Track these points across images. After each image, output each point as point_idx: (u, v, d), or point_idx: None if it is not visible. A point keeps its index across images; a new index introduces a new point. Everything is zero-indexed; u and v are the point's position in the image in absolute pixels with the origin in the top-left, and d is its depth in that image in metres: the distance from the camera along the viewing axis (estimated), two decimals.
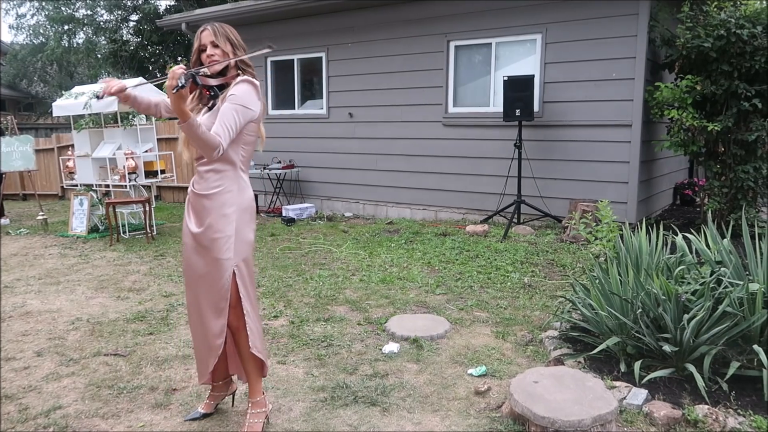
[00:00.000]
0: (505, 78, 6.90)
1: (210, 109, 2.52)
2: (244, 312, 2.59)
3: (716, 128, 6.03)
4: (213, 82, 2.48)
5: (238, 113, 2.43)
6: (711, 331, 2.93)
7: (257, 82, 2.56)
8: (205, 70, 2.45)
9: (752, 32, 5.88)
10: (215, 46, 2.52)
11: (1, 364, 3.57)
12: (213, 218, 2.52)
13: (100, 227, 7.97)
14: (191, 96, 2.57)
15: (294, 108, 9.54)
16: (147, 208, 7.40)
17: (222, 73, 2.56)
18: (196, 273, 2.59)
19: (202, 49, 2.56)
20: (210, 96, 2.35)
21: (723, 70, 6.07)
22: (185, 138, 2.60)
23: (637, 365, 2.97)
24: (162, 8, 17.60)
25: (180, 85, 2.15)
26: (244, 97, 2.46)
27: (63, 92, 8.63)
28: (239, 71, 2.58)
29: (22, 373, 3.44)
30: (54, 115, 8.48)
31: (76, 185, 8.34)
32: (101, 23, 19.23)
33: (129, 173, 7.63)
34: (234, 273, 2.55)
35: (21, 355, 3.71)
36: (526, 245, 6.28)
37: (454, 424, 2.77)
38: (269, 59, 9.63)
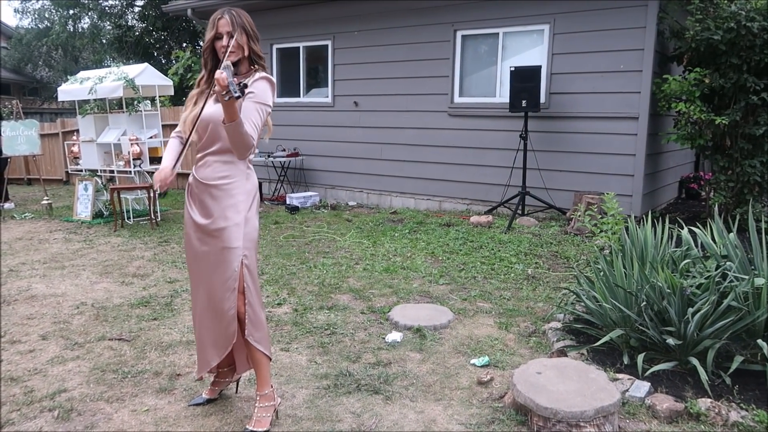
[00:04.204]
0: (512, 68, 6.86)
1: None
2: (246, 301, 2.57)
3: (724, 122, 5.99)
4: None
5: (260, 111, 2.47)
6: (715, 325, 2.93)
7: (273, 80, 2.57)
8: (228, 64, 2.38)
9: (763, 25, 5.82)
10: (231, 36, 2.48)
11: (1, 347, 3.60)
12: (222, 208, 2.51)
13: (105, 213, 7.99)
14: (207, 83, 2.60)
15: (299, 96, 9.51)
16: (151, 194, 7.42)
17: (234, 64, 2.53)
18: (203, 263, 2.57)
19: (217, 37, 2.51)
20: (237, 96, 2.30)
21: (732, 63, 6.01)
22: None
23: (640, 358, 2.98)
24: None
25: (236, 95, 2.17)
26: (265, 95, 2.49)
27: (68, 77, 8.61)
28: (252, 64, 2.59)
29: (27, 356, 3.47)
30: (59, 100, 8.47)
31: (81, 170, 8.36)
32: (106, 8, 19.17)
33: (133, 159, 7.64)
34: (242, 262, 2.53)
35: (26, 338, 3.74)
36: (530, 237, 6.28)
37: (457, 413, 2.78)
38: (275, 46, 9.60)
